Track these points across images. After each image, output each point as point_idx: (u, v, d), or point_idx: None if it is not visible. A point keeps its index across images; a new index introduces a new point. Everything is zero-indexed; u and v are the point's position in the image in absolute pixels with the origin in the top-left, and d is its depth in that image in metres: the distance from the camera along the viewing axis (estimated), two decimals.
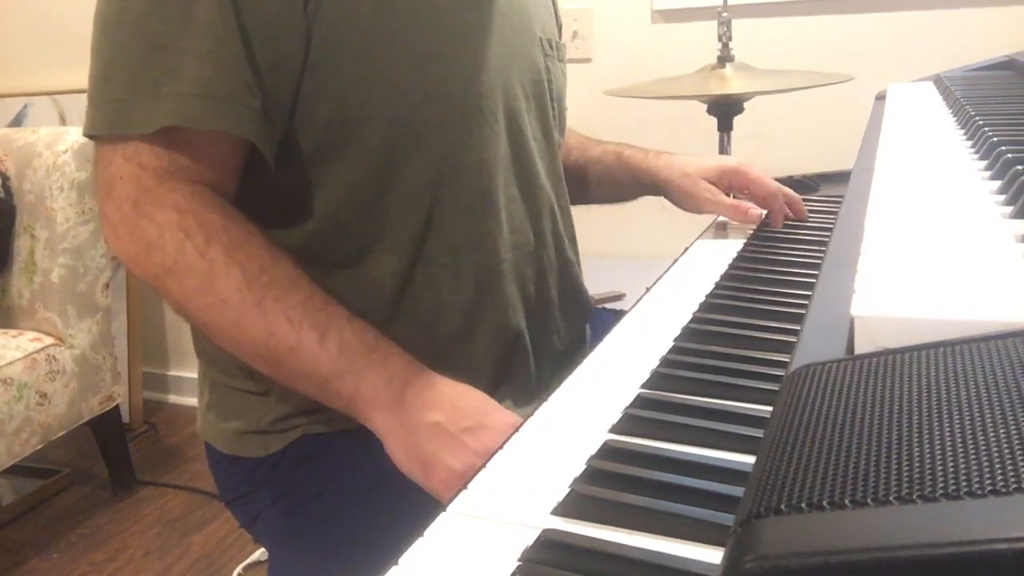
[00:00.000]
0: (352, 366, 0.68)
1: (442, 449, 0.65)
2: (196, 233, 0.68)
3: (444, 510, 0.47)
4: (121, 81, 0.69)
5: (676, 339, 0.66)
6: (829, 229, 0.90)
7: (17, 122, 2.46)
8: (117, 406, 2.05)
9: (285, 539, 0.81)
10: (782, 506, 0.27)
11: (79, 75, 2.64)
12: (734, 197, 1.03)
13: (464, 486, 0.49)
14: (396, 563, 0.43)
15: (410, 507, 0.66)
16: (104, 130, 0.70)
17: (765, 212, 1.01)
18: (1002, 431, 0.28)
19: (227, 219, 0.69)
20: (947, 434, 0.28)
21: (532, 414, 0.58)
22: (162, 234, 0.68)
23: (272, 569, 0.86)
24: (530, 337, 0.85)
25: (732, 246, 0.93)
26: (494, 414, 0.67)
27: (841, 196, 0.89)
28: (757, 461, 0.31)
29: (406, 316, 0.78)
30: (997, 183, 0.58)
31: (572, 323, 0.94)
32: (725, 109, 1.49)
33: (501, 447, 0.54)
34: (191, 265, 0.68)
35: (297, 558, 0.80)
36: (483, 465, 0.52)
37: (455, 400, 0.68)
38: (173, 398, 2.59)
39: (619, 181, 1.08)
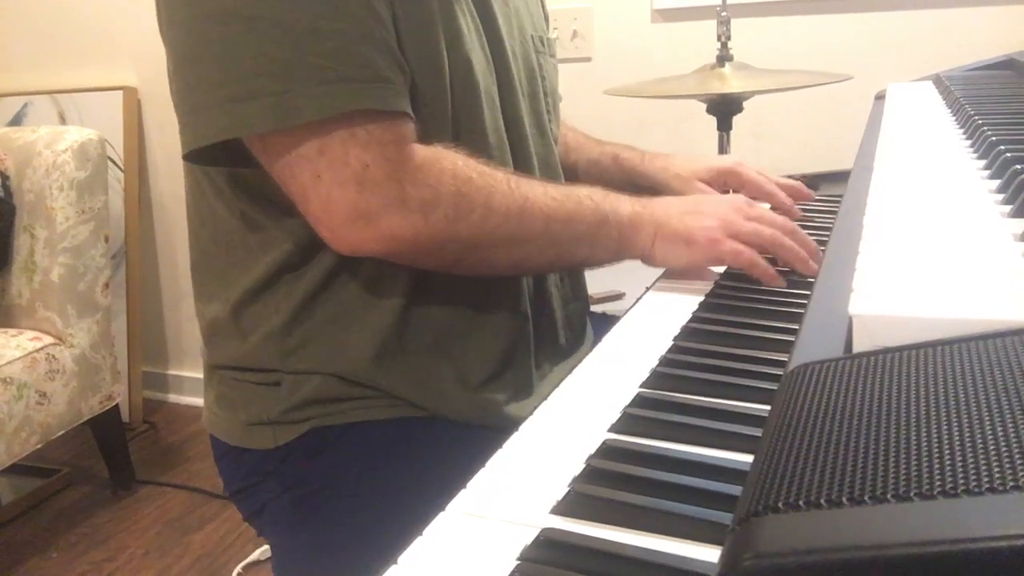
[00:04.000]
0: (607, 209, 0.80)
1: (694, 220, 0.79)
2: (458, 172, 0.73)
3: (443, 510, 0.47)
4: (286, 72, 0.67)
5: (676, 339, 0.66)
6: (828, 229, 0.90)
7: (17, 122, 2.46)
8: (117, 405, 2.06)
9: (292, 530, 0.81)
10: (780, 504, 0.27)
11: (79, 75, 2.62)
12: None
13: (464, 486, 0.49)
14: (395, 562, 0.43)
15: (418, 500, 0.67)
16: (296, 120, 0.68)
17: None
18: (1000, 429, 0.28)
19: (459, 153, 0.75)
20: (945, 432, 0.28)
21: (532, 413, 0.58)
22: (436, 189, 0.72)
23: (276, 562, 0.85)
24: (533, 327, 0.86)
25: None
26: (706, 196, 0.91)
27: (840, 196, 0.89)
28: (755, 460, 0.31)
29: (415, 301, 0.79)
30: (996, 182, 0.59)
31: (572, 316, 0.95)
32: (724, 108, 1.49)
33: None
34: (471, 199, 0.73)
35: (302, 549, 0.80)
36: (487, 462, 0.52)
37: (677, 200, 0.84)
38: (173, 397, 2.59)
39: (613, 184, 1.08)
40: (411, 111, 0.73)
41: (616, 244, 0.80)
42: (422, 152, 0.72)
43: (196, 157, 0.74)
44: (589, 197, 0.80)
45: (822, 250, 0.79)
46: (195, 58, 0.70)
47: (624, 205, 0.81)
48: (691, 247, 0.79)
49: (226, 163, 0.76)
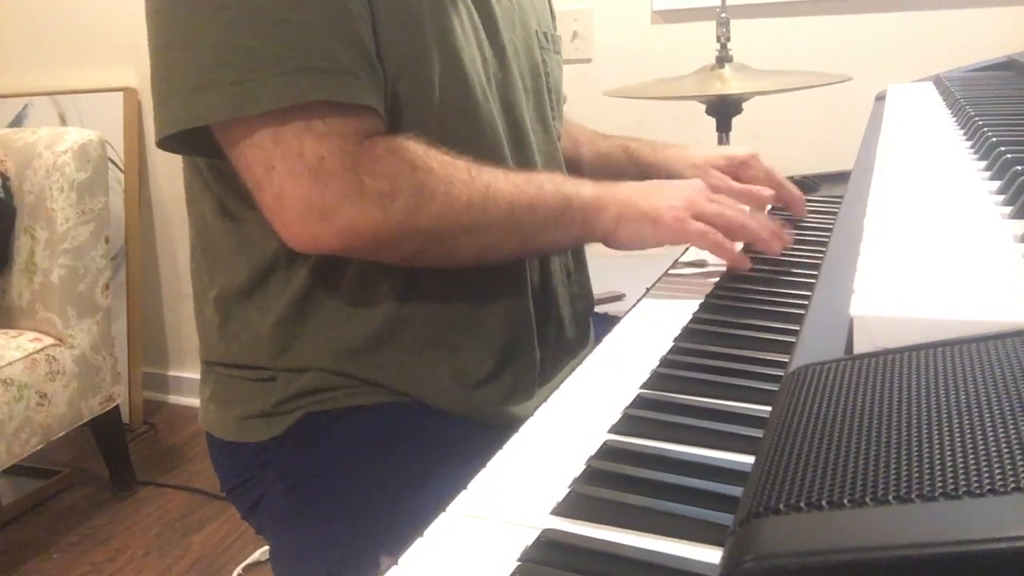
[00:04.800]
0: (569, 192, 0.79)
1: (659, 200, 0.79)
2: (416, 162, 0.72)
3: (444, 510, 0.47)
4: (247, 60, 0.66)
5: (676, 339, 0.66)
6: (829, 229, 0.90)
7: (17, 123, 2.46)
8: (117, 406, 2.05)
9: (287, 520, 0.81)
10: (781, 506, 0.27)
11: (79, 75, 2.62)
12: None
13: (464, 487, 0.49)
14: (396, 563, 0.43)
15: (411, 486, 0.67)
16: (253, 109, 0.67)
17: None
18: (1000, 431, 0.28)
19: (421, 143, 0.73)
20: (946, 434, 0.28)
21: (533, 413, 0.58)
22: (394, 179, 0.70)
23: (274, 555, 0.85)
24: (536, 322, 0.86)
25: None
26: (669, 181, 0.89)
27: (841, 196, 0.89)
28: (756, 461, 0.31)
29: (419, 293, 0.79)
30: (996, 183, 0.59)
31: (578, 314, 0.95)
32: (724, 109, 1.49)
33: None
34: (431, 189, 0.72)
35: (299, 539, 0.80)
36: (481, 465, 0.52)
37: (638, 183, 0.83)
38: (173, 398, 2.59)
39: (625, 176, 1.08)
40: (379, 107, 0.72)
41: (579, 227, 0.80)
42: (380, 143, 0.71)
43: (169, 145, 0.73)
44: (549, 180, 0.79)
45: (822, 251, 0.79)
46: (165, 46, 0.70)
47: (585, 188, 0.80)
48: (657, 226, 0.79)
49: (208, 153, 0.75)
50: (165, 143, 0.72)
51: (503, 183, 0.76)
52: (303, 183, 0.68)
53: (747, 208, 0.83)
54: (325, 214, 0.69)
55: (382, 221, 0.70)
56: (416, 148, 0.72)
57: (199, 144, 0.73)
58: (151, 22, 0.72)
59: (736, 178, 1.02)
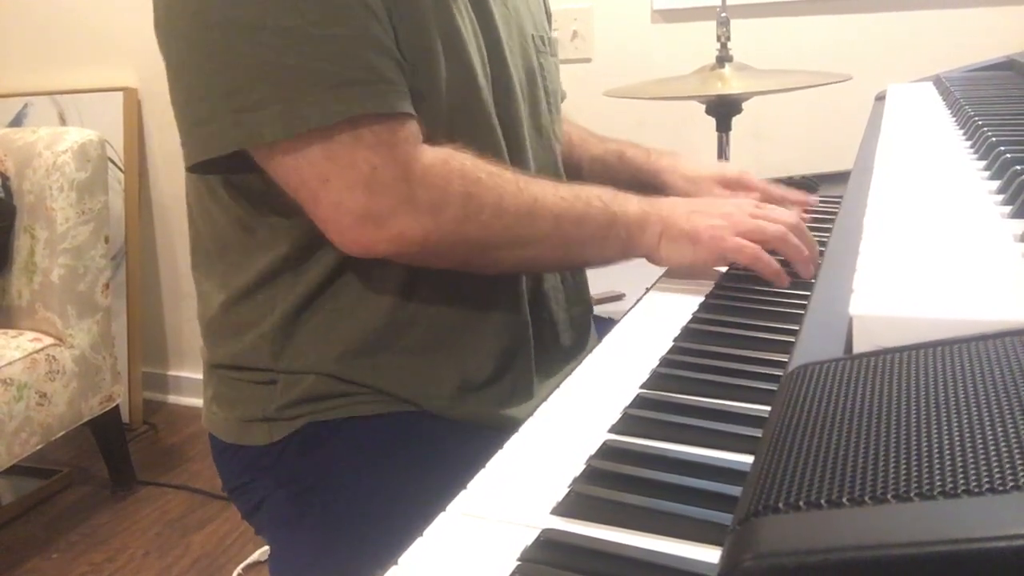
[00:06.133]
0: (616, 210, 0.80)
1: (700, 219, 0.80)
2: (467, 173, 0.73)
3: (444, 510, 0.47)
4: (290, 79, 0.67)
5: (676, 339, 0.66)
6: (828, 229, 0.90)
7: (17, 122, 2.46)
8: (117, 406, 2.05)
9: (288, 526, 0.81)
10: (780, 505, 0.27)
11: (79, 76, 2.62)
12: None
13: (464, 486, 0.49)
14: (396, 563, 0.43)
15: (412, 495, 0.67)
16: (303, 127, 0.68)
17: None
18: (1000, 430, 0.28)
19: (467, 154, 0.75)
20: (945, 433, 0.28)
21: (533, 413, 0.58)
22: (445, 189, 0.72)
23: (273, 559, 0.86)
24: (533, 329, 0.86)
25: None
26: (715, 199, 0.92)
27: (840, 196, 0.89)
28: (755, 460, 0.32)
29: (418, 296, 0.80)
30: (996, 183, 0.59)
31: (575, 319, 0.95)
32: (724, 109, 1.49)
33: None
34: (481, 200, 0.73)
35: (299, 545, 0.80)
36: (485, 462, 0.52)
37: (684, 200, 0.85)
38: (173, 398, 2.59)
39: (618, 181, 1.08)
40: (413, 111, 0.73)
41: (624, 244, 0.81)
42: (430, 153, 0.73)
43: (201, 168, 0.74)
44: (599, 198, 0.80)
45: (822, 250, 0.79)
46: (197, 68, 0.70)
47: (632, 205, 0.81)
48: (696, 246, 0.79)
49: (225, 170, 0.76)
50: (200, 166, 0.73)
51: (551, 197, 0.77)
52: (358, 194, 0.70)
53: (796, 220, 0.81)
54: (380, 222, 0.71)
55: (433, 230, 0.72)
56: (465, 158, 0.74)
57: (226, 163, 0.74)
58: (178, 43, 0.72)
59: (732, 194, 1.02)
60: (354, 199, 0.70)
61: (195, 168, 0.74)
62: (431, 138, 0.76)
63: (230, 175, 0.78)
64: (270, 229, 0.78)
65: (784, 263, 0.78)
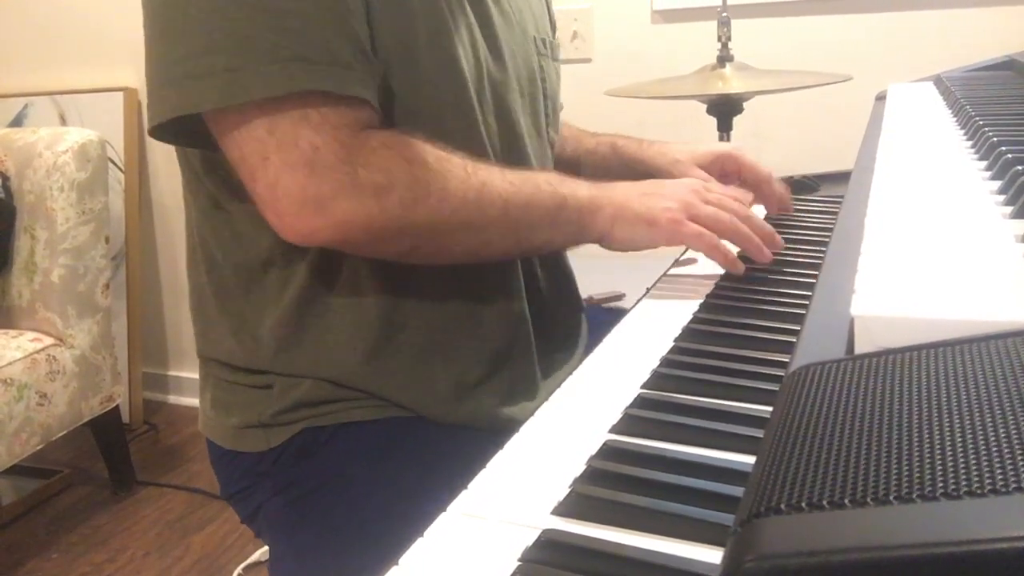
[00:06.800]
0: (565, 192, 0.79)
1: (654, 201, 0.79)
2: (413, 157, 0.71)
3: (444, 510, 0.47)
4: (241, 49, 0.65)
5: (676, 339, 0.66)
6: (829, 229, 0.90)
7: (17, 123, 2.46)
8: (117, 406, 2.05)
9: (286, 531, 0.81)
10: (782, 506, 0.27)
11: (79, 76, 2.62)
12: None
13: (464, 487, 0.49)
14: (396, 563, 0.43)
15: (410, 500, 0.66)
16: (245, 97, 0.66)
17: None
18: (1002, 431, 0.28)
19: (417, 137, 0.73)
20: (947, 434, 0.28)
21: (533, 413, 0.58)
22: (390, 172, 0.70)
23: (273, 563, 0.86)
24: (532, 326, 0.86)
25: (733, 246, 0.92)
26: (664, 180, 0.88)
27: (841, 196, 0.89)
28: (757, 461, 0.31)
29: (412, 297, 0.79)
30: (997, 183, 0.58)
31: (566, 316, 0.95)
32: (725, 109, 1.49)
33: None
34: (427, 184, 0.71)
35: (298, 550, 0.80)
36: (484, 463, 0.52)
37: (634, 183, 0.84)
38: (173, 398, 2.59)
39: (613, 172, 1.08)
40: (373, 100, 0.71)
41: (576, 227, 0.80)
42: (377, 136, 0.71)
43: (162, 135, 0.72)
44: (547, 181, 0.79)
45: (822, 251, 0.79)
46: (158, 36, 0.70)
47: (582, 189, 0.80)
48: (653, 228, 0.79)
49: (201, 144, 0.74)
50: (158, 132, 0.72)
51: (499, 181, 0.75)
52: (298, 174, 0.67)
53: (748, 207, 0.83)
54: (320, 206, 0.68)
55: (377, 214, 0.69)
56: (412, 143, 0.72)
57: (194, 135, 0.73)
58: (145, 13, 0.71)
59: (722, 172, 1.02)
60: (294, 180, 0.67)
61: (154, 133, 0.72)
62: (415, 131, 0.75)
63: (206, 152, 0.76)
64: (244, 212, 0.77)
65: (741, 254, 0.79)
